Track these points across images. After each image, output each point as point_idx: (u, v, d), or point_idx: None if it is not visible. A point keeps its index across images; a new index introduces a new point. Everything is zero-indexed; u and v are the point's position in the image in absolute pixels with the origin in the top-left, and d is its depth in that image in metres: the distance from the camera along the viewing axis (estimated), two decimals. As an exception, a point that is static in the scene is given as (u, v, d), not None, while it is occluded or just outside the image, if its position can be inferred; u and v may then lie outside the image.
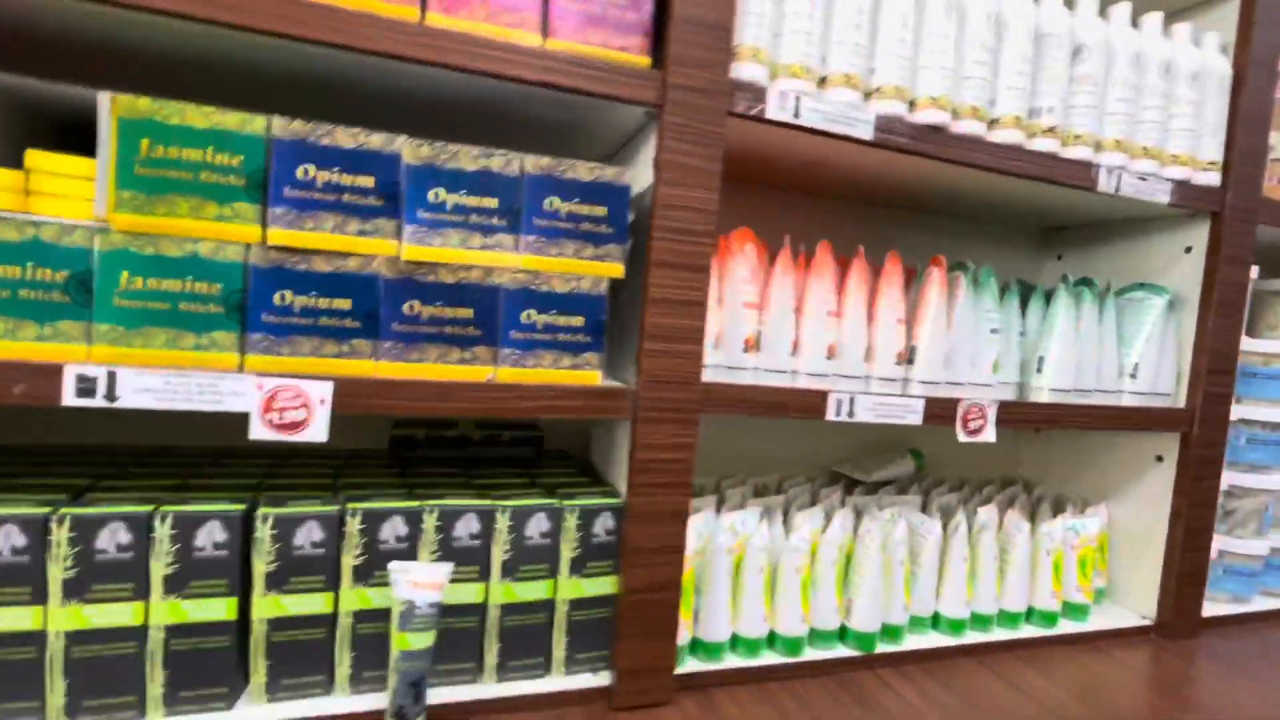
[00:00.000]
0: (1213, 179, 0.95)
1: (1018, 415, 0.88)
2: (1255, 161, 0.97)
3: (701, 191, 0.69)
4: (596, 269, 0.68)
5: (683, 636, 0.77)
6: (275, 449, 0.90)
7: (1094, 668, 0.90)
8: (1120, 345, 1.01)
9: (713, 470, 1.09)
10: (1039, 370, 0.94)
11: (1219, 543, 1.11)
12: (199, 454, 0.84)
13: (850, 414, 0.79)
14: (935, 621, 0.93)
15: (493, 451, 0.88)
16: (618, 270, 0.69)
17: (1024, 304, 0.99)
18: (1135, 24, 0.96)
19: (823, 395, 0.77)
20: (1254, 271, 1.06)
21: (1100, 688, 0.85)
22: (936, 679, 0.84)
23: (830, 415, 0.78)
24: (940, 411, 0.83)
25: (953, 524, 0.92)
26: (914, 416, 0.82)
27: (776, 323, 0.79)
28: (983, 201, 1.07)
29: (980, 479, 1.26)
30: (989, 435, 0.86)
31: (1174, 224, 1.03)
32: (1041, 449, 1.25)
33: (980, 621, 0.94)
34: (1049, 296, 0.98)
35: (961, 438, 0.84)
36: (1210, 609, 1.10)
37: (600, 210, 0.67)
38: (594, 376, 0.69)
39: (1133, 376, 0.99)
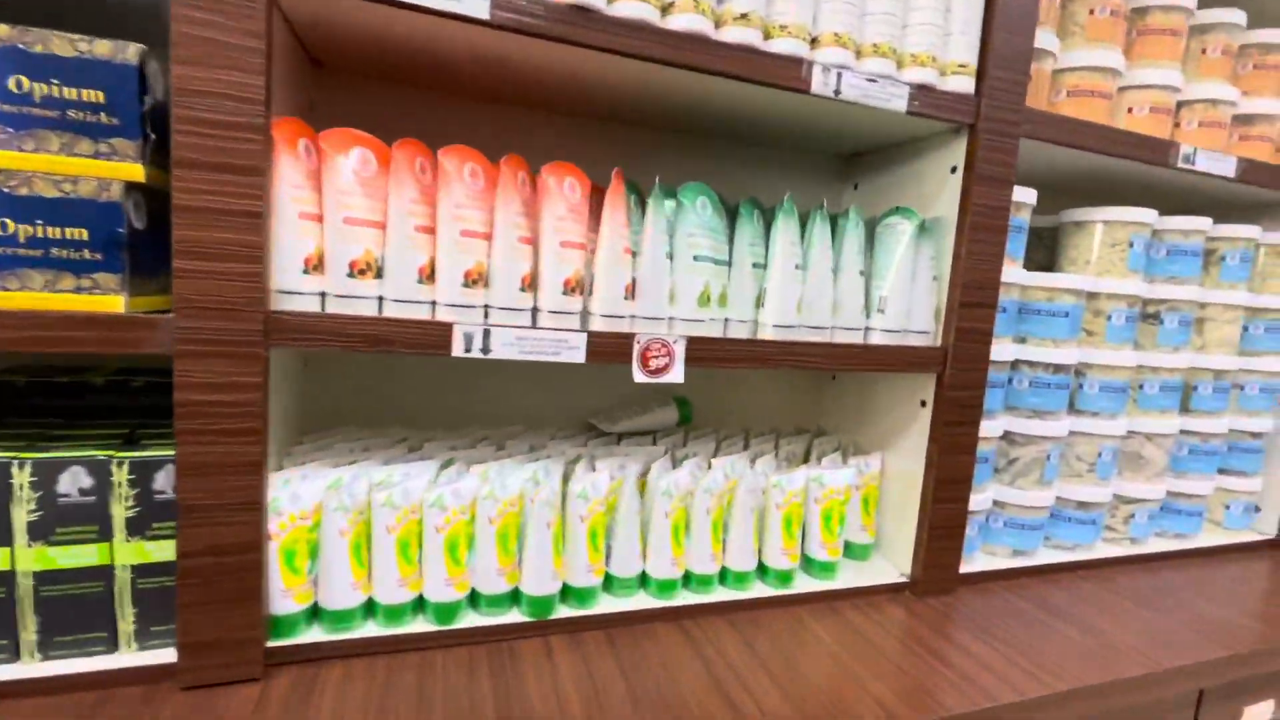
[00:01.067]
0: (965, 85, 0.84)
1: (717, 353, 0.78)
2: (1016, 66, 0.85)
3: (234, 73, 0.56)
4: (97, 169, 0.56)
5: (287, 605, 0.67)
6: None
7: (812, 629, 0.82)
8: (874, 277, 0.90)
9: (490, 424, 1.00)
10: (761, 305, 0.84)
11: (996, 493, 1.04)
12: None
13: (485, 350, 0.68)
14: (644, 582, 0.84)
15: (117, 400, 0.77)
16: (133, 172, 0.57)
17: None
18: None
19: (445, 328, 0.66)
20: (1028, 195, 0.95)
21: (797, 650, 0.77)
22: (617, 646, 0.75)
23: (458, 351, 0.67)
24: (609, 348, 0.73)
25: (667, 477, 0.82)
26: (573, 354, 0.71)
27: (400, 244, 0.68)
28: (766, 123, 0.96)
29: (767, 428, 1.17)
30: (675, 375, 0.76)
31: (943, 142, 0.92)
32: (837, 395, 1.16)
33: (699, 582, 0.85)
34: (803, 222, 0.87)
35: (640, 378, 0.74)
36: (988, 563, 1.03)
37: (95, 95, 0.55)
38: (111, 302, 0.57)
39: (881, 312, 0.89)
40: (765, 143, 1.09)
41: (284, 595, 0.67)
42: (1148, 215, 1.03)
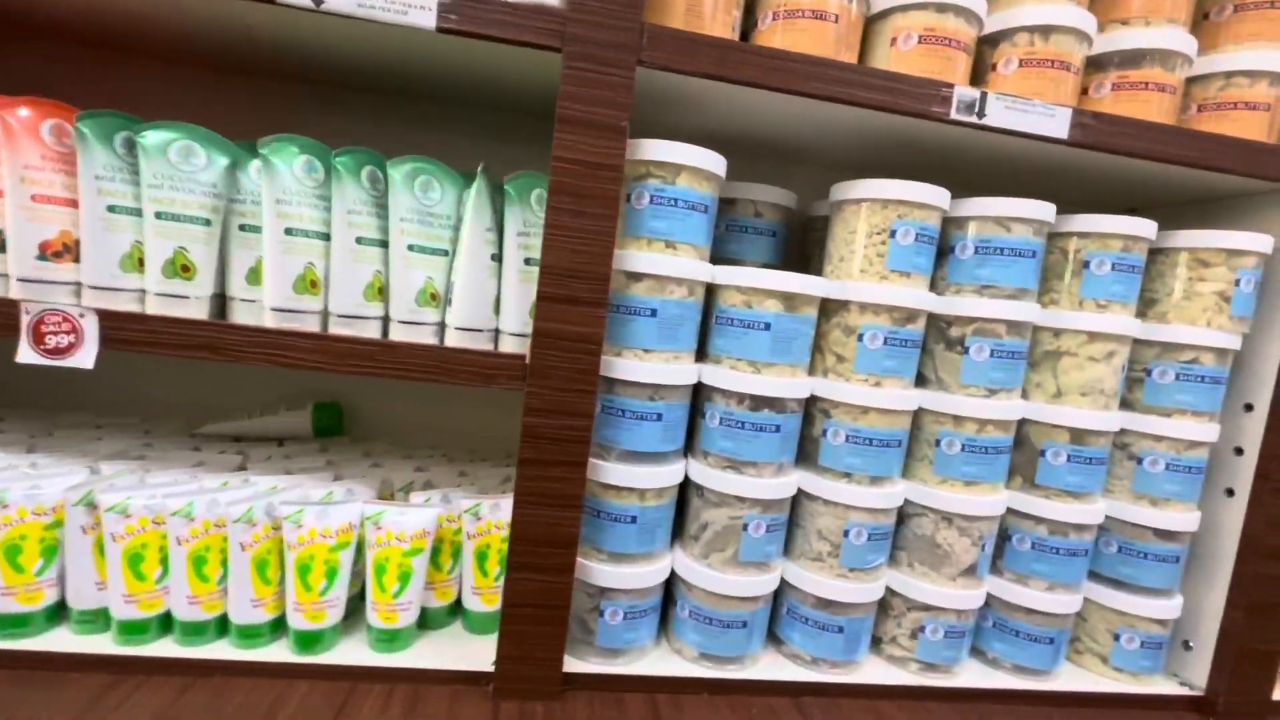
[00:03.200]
0: (540, -7, 0.61)
1: (149, 336, 0.60)
2: (620, -35, 0.61)
3: None
4: None
5: None
6: None
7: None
8: (452, 257, 0.69)
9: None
10: (249, 281, 0.65)
11: (679, 566, 0.75)
12: None
13: None
14: (106, 620, 0.67)
15: None
16: None
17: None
18: None
19: None
20: (699, 158, 0.68)
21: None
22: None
23: None
24: (-17, 316, 0.58)
25: (116, 494, 0.66)
26: (-67, 320, 0.58)
27: None
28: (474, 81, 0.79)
29: (468, 453, 0.95)
30: (84, 359, 0.59)
31: (575, 83, 0.68)
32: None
33: (189, 630, 0.67)
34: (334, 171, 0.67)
35: (31, 358, 0.59)
36: (661, 664, 0.74)
37: None
38: None
39: (449, 303, 0.67)
40: (509, 107, 0.91)
41: None
42: (920, 193, 0.71)
